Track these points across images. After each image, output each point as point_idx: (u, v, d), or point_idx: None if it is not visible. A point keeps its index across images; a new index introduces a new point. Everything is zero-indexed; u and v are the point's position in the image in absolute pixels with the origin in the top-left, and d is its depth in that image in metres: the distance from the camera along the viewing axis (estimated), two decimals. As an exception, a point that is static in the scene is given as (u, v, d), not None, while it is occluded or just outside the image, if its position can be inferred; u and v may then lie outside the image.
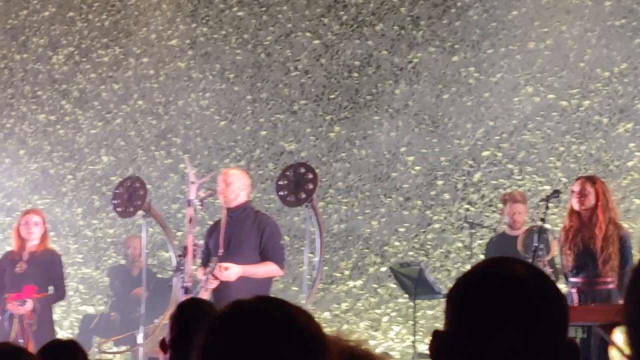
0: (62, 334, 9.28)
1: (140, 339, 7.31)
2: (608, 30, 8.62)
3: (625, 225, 7.13)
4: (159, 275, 9.15)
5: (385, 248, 9.04)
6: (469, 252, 8.32)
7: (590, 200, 6.39)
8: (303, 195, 6.93)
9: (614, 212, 6.44)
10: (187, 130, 9.92)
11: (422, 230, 8.96)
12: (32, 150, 10.47)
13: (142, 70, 10.18)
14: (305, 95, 9.55)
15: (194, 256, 6.48)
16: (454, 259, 8.81)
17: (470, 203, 8.84)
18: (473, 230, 8.35)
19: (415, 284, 7.51)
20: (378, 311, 9.01)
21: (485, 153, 8.84)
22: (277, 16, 9.77)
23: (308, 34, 9.62)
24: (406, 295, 8.17)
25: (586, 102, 8.61)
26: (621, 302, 1.53)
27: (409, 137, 9.07)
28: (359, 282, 9.10)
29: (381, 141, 9.14)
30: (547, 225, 6.89)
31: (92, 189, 10.18)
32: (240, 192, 6.52)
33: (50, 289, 7.43)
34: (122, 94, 10.24)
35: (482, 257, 8.07)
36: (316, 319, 1.48)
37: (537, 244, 6.49)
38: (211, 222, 7.62)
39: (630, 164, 8.45)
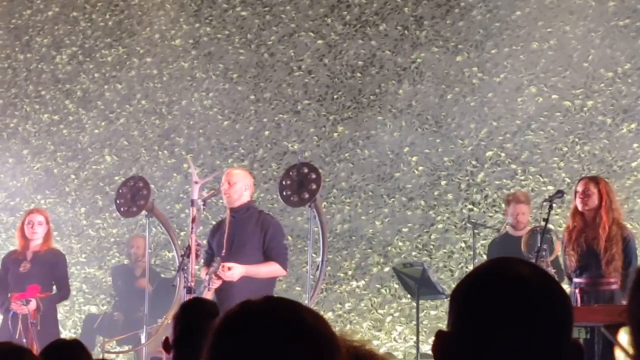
0: (65, 333, 9.29)
1: (143, 338, 7.31)
2: (612, 31, 8.61)
3: (628, 225, 7.12)
4: (163, 275, 9.15)
5: (389, 248, 9.04)
6: (472, 253, 8.31)
7: (594, 200, 6.39)
8: (306, 195, 6.93)
9: (617, 213, 6.44)
10: (191, 130, 9.92)
11: (425, 231, 8.96)
12: (36, 150, 10.48)
13: (146, 70, 10.19)
14: (308, 95, 9.55)
15: (197, 256, 6.48)
16: (457, 259, 8.81)
17: (473, 203, 8.83)
18: (476, 231, 8.34)
19: (418, 284, 7.51)
20: (381, 311, 9.01)
21: (489, 153, 8.83)
22: (281, 16, 9.77)
23: (311, 34, 9.62)
24: (409, 296, 8.17)
25: (590, 103, 8.61)
26: (624, 302, 1.53)
27: (412, 137, 9.07)
28: (362, 282, 9.10)
29: (384, 141, 9.14)
30: (551, 226, 6.89)
31: (95, 189, 10.19)
32: (244, 192, 6.53)
33: (54, 288, 7.45)
34: (125, 94, 10.25)
35: (485, 257, 8.06)
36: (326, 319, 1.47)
37: (540, 245, 6.49)
38: (214, 222, 7.62)
39: (634, 164, 8.45)
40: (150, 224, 7.63)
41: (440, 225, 8.92)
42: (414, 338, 8.02)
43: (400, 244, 9.02)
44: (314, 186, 6.92)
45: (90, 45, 10.46)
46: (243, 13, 9.93)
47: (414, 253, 8.91)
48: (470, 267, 8.12)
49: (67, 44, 10.55)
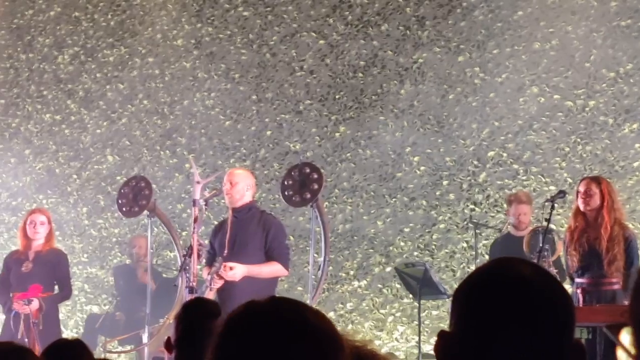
0: (67, 333, 9.30)
1: (145, 338, 7.32)
2: (614, 31, 8.61)
3: (630, 225, 7.12)
4: (164, 275, 9.16)
5: (390, 248, 9.04)
6: (474, 253, 8.31)
7: (596, 200, 6.39)
8: (308, 195, 6.93)
9: (619, 213, 6.44)
10: (192, 130, 9.92)
11: (427, 231, 8.96)
12: (38, 150, 10.49)
13: (148, 70, 10.20)
14: (310, 95, 9.55)
15: (199, 256, 6.48)
16: (458, 259, 8.80)
17: (475, 203, 8.83)
18: (478, 231, 8.34)
19: (420, 284, 7.51)
20: (383, 311, 9.01)
21: (491, 153, 8.83)
22: (283, 16, 9.77)
23: (313, 34, 9.62)
24: (411, 296, 8.17)
25: (592, 103, 8.60)
26: (626, 302, 1.53)
27: (414, 137, 9.07)
28: (364, 282, 9.10)
29: (386, 141, 9.14)
30: (552, 226, 6.89)
31: (97, 189, 10.19)
32: (246, 192, 6.53)
33: (56, 288, 7.45)
34: (127, 94, 10.25)
35: (487, 257, 8.06)
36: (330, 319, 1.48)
37: (542, 245, 6.49)
38: (216, 222, 7.62)
39: (635, 164, 8.44)
40: (152, 224, 7.64)
41: (442, 225, 8.92)
42: (416, 338, 8.03)
43: (402, 244, 9.02)
44: (316, 186, 6.93)
45: (92, 45, 10.47)
46: (245, 13, 9.94)
47: (415, 253, 8.91)
48: (472, 267, 8.12)
49: (69, 44, 10.56)
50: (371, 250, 9.10)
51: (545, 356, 1.44)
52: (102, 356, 7.77)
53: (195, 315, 3.62)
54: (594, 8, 8.65)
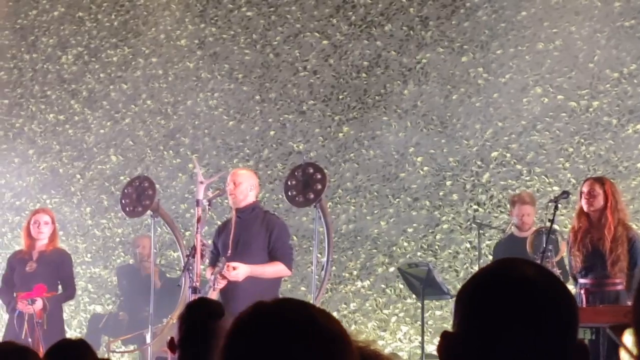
0: (71, 333, 9.31)
1: (148, 338, 7.32)
2: (617, 31, 8.60)
3: (634, 226, 7.12)
4: (168, 275, 9.17)
5: (394, 248, 9.04)
6: (477, 253, 8.31)
7: (599, 201, 6.38)
8: (311, 196, 6.93)
9: (623, 213, 6.43)
10: (196, 130, 9.93)
11: (431, 231, 8.96)
12: (41, 150, 10.50)
13: (151, 70, 10.20)
14: (313, 96, 9.55)
15: (202, 256, 6.49)
16: (462, 260, 8.80)
17: (478, 204, 8.83)
18: (481, 231, 8.34)
19: (423, 284, 7.51)
20: (386, 311, 9.01)
21: (494, 154, 8.83)
22: (286, 16, 9.77)
23: (317, 34, 9.63)
24: (414, 296, 8.17)
25: (595, 103, 8.60)
26: (630, 303, 1.53)
27: (417, 137, 9.07)
28: (367, 283, 9.10)
29: (389, 141, 9.14)
30: (556, 227, 6.88)
31: (100, 189, 10.20)
32: (249, 193, 6.53)
33: (60, 288, 7.46)
34: (130, 94, 10.26)
35: (490, 257, 8.06)
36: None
37: (545, 245, 6.48)
38: (219, 222, 7.63)
39: (639, 165, 8.44)
40: (156, 224, 7.64)
41: (445, 226, 8.92)
42: (419, 338, 8.02)
43: (406, 244, 9.02)
44: (319, 186, 6.93)
45: (95, 46, 10.48)
46: (248, 13, 9.94)
47: (419, 253, 8.91)
48: (476, 268, 8.12)
49: (72, 44, 10.57)
50: (374, 251, 9.10)
51: (548, 357, 1.45)
52: (106, 356, 7.78)
53: (199, 316, 3.62)
54: (598, 8, 8.64)
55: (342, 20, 9.53)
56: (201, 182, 6.63)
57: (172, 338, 3.63)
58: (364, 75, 9.38)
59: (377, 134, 9.19)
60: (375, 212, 9.14)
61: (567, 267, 6.81)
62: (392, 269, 8.91)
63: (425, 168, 9.03)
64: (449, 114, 9.01)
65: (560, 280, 1.54)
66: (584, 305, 6.14)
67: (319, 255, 7.19)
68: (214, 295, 6.24)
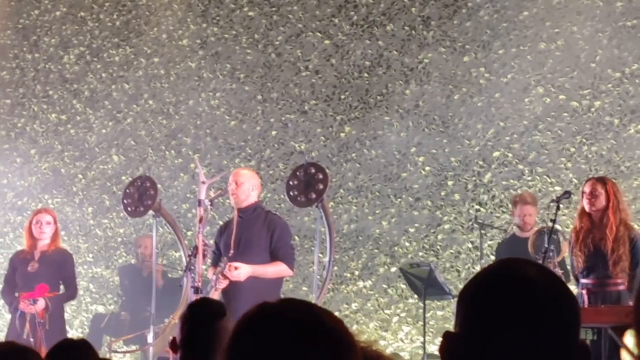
0: (73, 333, 9.31)
1: (150, 338, 7.32)
2: (619, 31, 8.60)
3: (636, 226, 7.11)
4: (170, 275, 9.17)
5: (395, 248, 9.04)
6: (479, 253, 8.31)
7: (601, 201, 6.38)
8: (313, 196, 6.94)
9: (624, 213, 6.43)
10: (198, 130, 9.93)
11: (432, 231, 8.96)
12: (43, 150, 10.50)
13: (153, 70, 10.21)
14: (315, 95, 9.55)
15: (204, 256, 6.49)
16: (463, 260, 8.80)
17: (480, 204, 8.83)
18: (483, 231, 8.34)
19: (425, 284, 7.51)
20: (388, 312, 9.01)
21: (496, 154, 8.83)
22: (288, 16, 9.77)
23: (318, 34, 9.63)
24: (416, 296, 8.17)
25: (597, 103, 8.59)
26: (631, 303, 1.53)
27: (419, 137, 9.07)
28: (369, 283, 9.10)
29: (391, 141, 9.14)
30: (558, 227, 6.88)
31: (102, 189, 10.21)
32: (251, 193, 6.53)
33: (62, 288, 7.46)
34: (132, 94, 10.26)
35: (492, 257, 8.06)
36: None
37: (547, 245, 6.48)
38: (221, 222, 7.63)
39: (641, 165, 8.44)
40: (158, 224, 7.64)
41: (447, 226, 8.92)
42: (421, 338, 8.02)
43: (407, 244, 9.02)
44: (321, 186, 6.93)
45: (97, 45, 10.48)
46: (250, 13, 9.94)
47: (420, 253, 8.91)
48: (477, 268, 8.12)
49: (74, 44, 10.58)
50: (376, 251, 9.10)
51: (550, 357, 1.45)
52: (108, 356, 7.78)
53: (201, 316, 3.62)
54: (600, 8, 8.64)
55: (344, 20, 9.53)
56: (203, 182, 6.63)
57: (174, 338, 3.64)
58: (365, 75, 9.38)
59: (379, 133, 9.19)
60: (377, 212, 9.14)
61: (569, 267, 6.81)
62: (393, 269, 8.91)
63: (427, 168, 9.03)
64: (450, 113, 9.00)
65: (562, 281, 1.54)
66: (586, 306, 6.14)
67: (320, 255, 7.19)
68: (215, 295, 6.25)
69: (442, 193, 8.95)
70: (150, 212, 7.50)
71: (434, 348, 8.09)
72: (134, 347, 8.51)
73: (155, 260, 7.73)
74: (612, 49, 8.59)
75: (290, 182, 7.09)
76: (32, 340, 6.94)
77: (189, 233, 9.28)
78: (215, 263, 6.58)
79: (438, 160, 8.99)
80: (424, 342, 7.71)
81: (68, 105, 10.48)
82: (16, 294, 7.31)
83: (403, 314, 8.96)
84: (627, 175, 8.40)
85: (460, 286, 1.54)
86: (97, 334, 8.77)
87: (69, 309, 9.08)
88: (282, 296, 6.63)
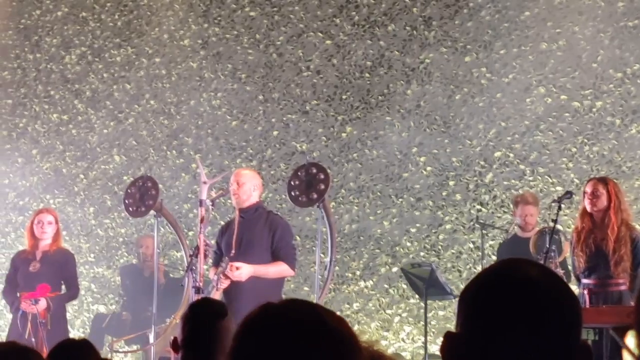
0: (74, 333, 9.31)
1: (151, 338, 7.33)
2: (621, 31, 8.60)
3: (637, 226, 7.10)
4: (171, 275, 9.17)
5: (397, 248, 9.04)
6: (480, 253, 8.31)
7: (603, 201, 6.38)
8: (314, 196, 6.93)
9: (626, 214, 6.43)
10: (199, 130, 9.93)
11: (434, 231, 8.96)
12: (45, 150, 10.51)
13: (154, 70, 10.21)
14: (317, 96, 9.55)
15: (206, 256, 6.49)
16: (465, 260, 8.80)
17: (481, 204, 8.83)
18: (484, 231, 8.33)
19: (426, 284, 7.51)
20: (389, 312, 9.01)
21: (497, 154, 8.82)
22: (289, 16, 9.77)
23: (320, 34, 9.63)
24: (417, 296, 8.17)
25: (599, 103, 8.59)
26: (633, 303, 1.53)
27: (420, 137, 9.07)
28: (370, 283, 9.10)
29: (393, 141, 9.14)
30: (559, 227, 6.88)
31: (104, 189, 10.21)
32: (252, 193, 6.54)
33: (63, 288, 7.46)
34: (134, 94, 10.27)
35: (493, 258, 8.06)
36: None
37: (549, 246, 6.48)
38: (222, 222, 7.63)
39: (642, 165, 8.43)
40: (159, 224, 7.64)
41: (448, 226, 8.91)
42: (422, 338, 8.02)
43: (409, 244, 9.02)
44: (322, 186, 6.93)
45: (99, 46, 10.48)
46: (252, 13, 9.95)
47: (422, 253, 8.91)
48: (479, 268, 8.12)
49: (76, 44, 10.58)
50: (377, 251, 9.10)
51: (551, 357, 1.45)
52: (109, 356, 7.79)
53: (202, 316, 3.62)
54: (601, 8, 8.64)
55: (345, 20, 9.53)
56: (204, 182, 6.63)
57: (175, 338, 3.64)
58: (367, 75, 9.37)
59: (380, 134, 9.19)
60: (378, 212, 9.14)
61: (570, 268, 6.81)
62: (395, 269, 8.91)
63: (429, 168, 9.03)
64: (452, 114, 9.00)
65: (564, 281, 1.54)
66: (587, 306, 6.14)
67: (322, 255, 7.19)
68: (217, 295, 6.25)
69: (444, 193, 8.95)
70: (152, 212, 7.49)
71: (435, 348, 8.08)
72: (135, 347, 8.52)
73: (156, 260, 7.73)
74: (614, 49, 8.58)
75: (292, 182, 7.09)
76: (34, 340, 6.95)
77: (190, 233, 9.28)
78: (216, 263, 6.59)
79: (439, 161, 8.99)
80: (425, 342, 7.71)
81: (69, 105, 10.49)
82: (18, 294, 7.31)
83: (404, 314, 8.96)
84: (629, 176, 8.40)
85: (462, 286, 1.54)
86: (98, 334, 8.77)
87: (70, 309, 9.08)
88: (283, 296, 6.63)
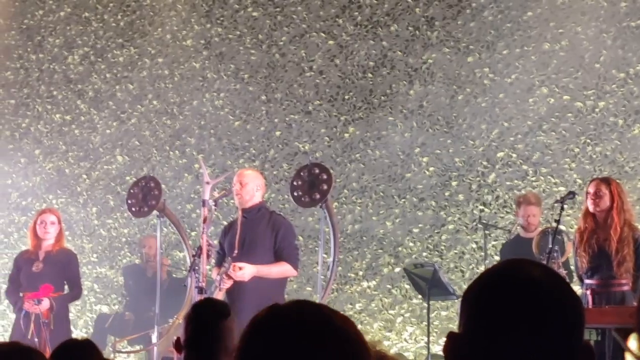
0: (77, 333, 9.32)
1: (154, 338, 7.33)
2: (624, 31, 8.59)
3: (640, 227, 7.10)
4: (174, 275, 9.18)
5: (399, 249, 9.04)
6: (483, 253, 8.31)
7: (605, 201, 6.37)
8: (317, 196, 6.93)
9: (629, 214, 6.43)
10: (202, 130, 9.94)
11: (436, 231, 8.96)
12: (48, 150, 10.52)
13: (157, 71, 10.22)
14: (319, 96, 9.56)
15: (208, 256, 6.49)
16: (468, 260, 8.80)
17: (484, 204, 8.82)
18: (487, 232, 8.33)
19: (429, 284, 7.51)
20: (392, 312, 9.01)
21: (500, 154, 8.82)
22: (292, 16, 9.78)
23: (322, 35, 9.63)
24: (420, 296, 8.17)
25: (601, 103, 8.59)
26: (635, 304, 1.54)
27: (423, 137, 9.07)
28: (373, 283, 9.10)
29: (395, 142, 9.14)
30: (562, 227, 6.88)
31: (106, 189, 10.22)
32: (255, 193, 6.54)
33: (66, 288, 7.47)
34: (137, 94, 10.27)
35: (496, 258, 8.06)
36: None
37: (551, 246, 6.48)
38: (225, 223, 7.63)
39: (645, 165, 8.42)
40: (162, 224, 7.65)
41: (451, 226, 8.91)
42: (425, 339, 8.02)
43: (411, 244, 9.02)
44: (325, 187, 6.93)
45: (102, 46, 10.49)
46: (254, 13, 9.95)
47: (424, 254, 8.91)
48: (481, 268, 8.12)
49: (79, 45, 10.59)
50: (380, 251, 9.10)
51: (554, 357, 1.45)
52: (112, 356, 7.80)
53: (205, 316, 3.63)
54: (604, 9, 8.64)
55: (348, 21, 9.53)
56: (207, 182, 6.63)
57: (178, 338, 3.64)
58: (369, 75, 9.38)
59: (383, 134, 9.19)
60: (381, 212, 9.14)
61: (573, 268, 6.81)
62: (397, 269, 8.91)
63: (431, 168, 9.03)
64: (454, 114, 9.00)
65: (566, 281, 1.54)
66: (590, 306, 6.14)
67: (324, 255, 7.19)
68: (219, 295, 6.25)
69: (446, 193, 8.95)
70: (155, 212, 7.50)
71: (438, 348, 8.08)
72: (138, 347, 8.52)
73: (159, 260, 7.73)
74: (617, 49, 8.58)
75: (294, 183, 7.09)
76: (37, 340, 6.95)
77: (193, 233, 9.29)
78: (219, 263, 6.59)
79: (442, 161, 8.99)
80: (428, 343, 7.70)
81: (72, 105, 10.50)
82: (21, 294, 7.32)
83: (407, 314, 8.96)
84: (632, 176, 8.40)
85: (465, 286, 1.54)
86: (101, 334, 8.78)
87: (73, 309, 9.09)
88: (286, 296, 6.64)
